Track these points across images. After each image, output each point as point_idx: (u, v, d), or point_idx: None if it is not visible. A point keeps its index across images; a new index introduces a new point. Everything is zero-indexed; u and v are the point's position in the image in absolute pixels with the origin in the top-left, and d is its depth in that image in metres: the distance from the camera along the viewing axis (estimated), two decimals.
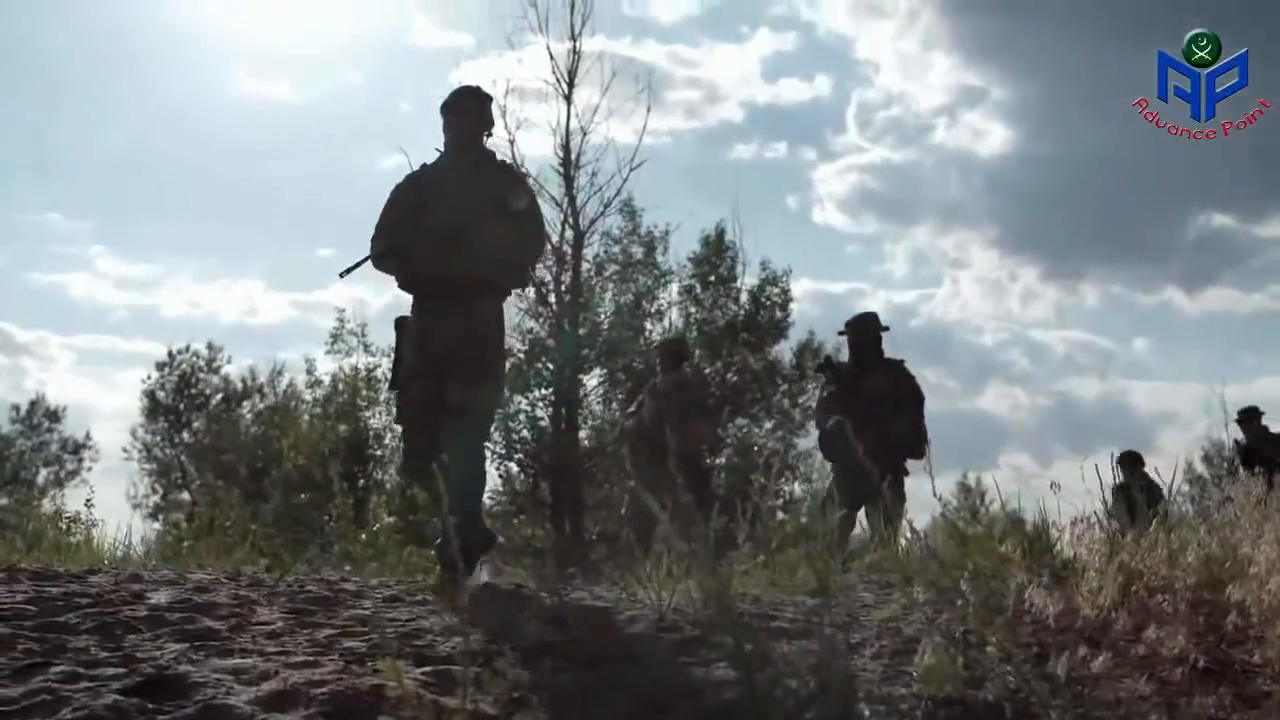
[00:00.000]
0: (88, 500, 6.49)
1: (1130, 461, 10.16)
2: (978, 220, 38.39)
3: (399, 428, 4.78)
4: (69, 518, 6.38)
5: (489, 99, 4.70)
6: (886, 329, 7.17)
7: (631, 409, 8.59)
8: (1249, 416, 10.11)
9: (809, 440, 20.60)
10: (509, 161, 4.73)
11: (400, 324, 4.54)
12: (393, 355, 4.62)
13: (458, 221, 4.35)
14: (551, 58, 19.02)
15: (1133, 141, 33.86)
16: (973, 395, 33.02)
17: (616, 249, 20.77)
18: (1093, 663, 2.31)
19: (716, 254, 22.25)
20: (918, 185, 34.45)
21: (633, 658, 2.55)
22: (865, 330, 7.15)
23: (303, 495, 16.49)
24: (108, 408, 44.76)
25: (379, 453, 18.90)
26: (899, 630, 2.85)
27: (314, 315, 37.72)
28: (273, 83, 38.45)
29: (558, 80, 19.01)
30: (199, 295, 42.56)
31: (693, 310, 22.18)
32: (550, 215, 19.03)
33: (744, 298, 22.21)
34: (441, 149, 4.62)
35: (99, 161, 40.92)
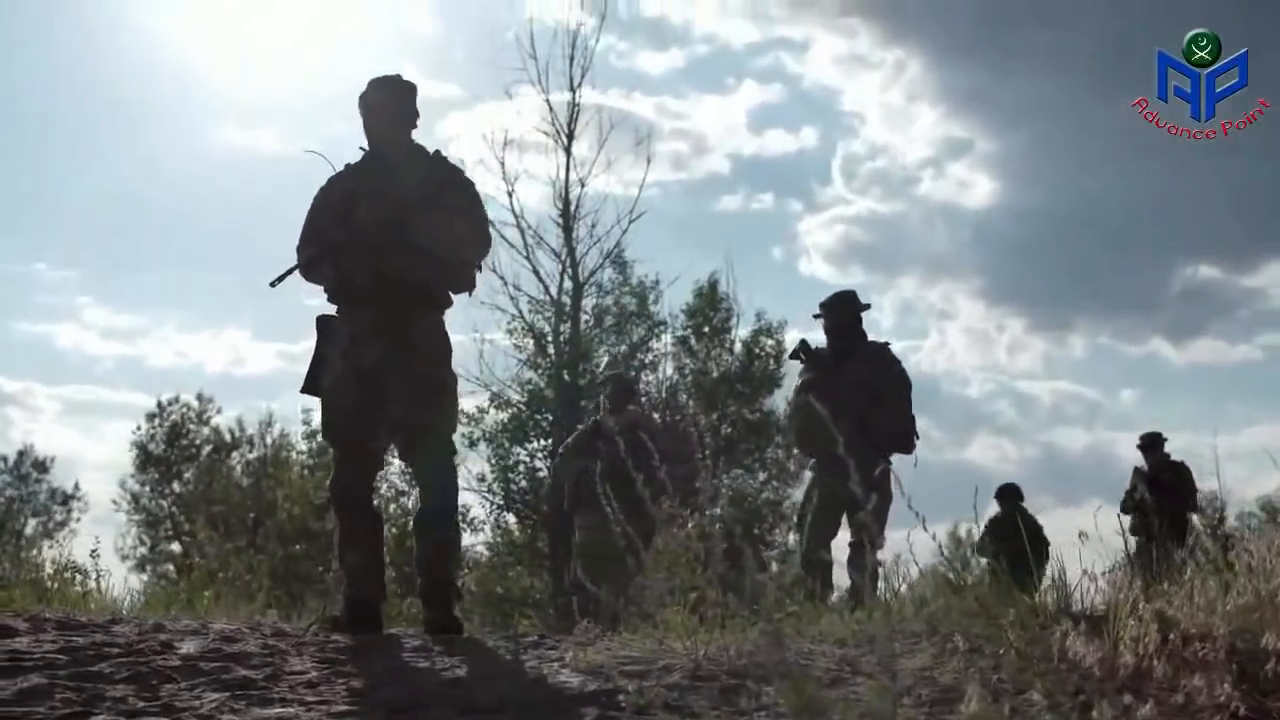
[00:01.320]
0: (93, 551, 6.44)
1: (1008, 495, 9.86)
2: (964, 271, 38.69)
3: (328, 444, 4.34)
4: (74, 568, 6.34)
5: (412, 89, 4.35)
6: (867, 307, 6.39)
7: (561, 449, 7.96)
8: (1152, 443, 9.51)
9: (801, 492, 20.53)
10: (443, 154, 4.39)
11: (324, 324, 4.19)
12: (313, 356, 4.21)
13: (388, 219, 4.08)
14: (551, 110, 19.22)
15: (1119, 193, 34.28)
16: (960, 446, 32.92)
17: (608, 300, 20.89)
18: (1136, 711, 2.32)
19: (711, 305, 22.35)
20: (904, 237, 34.69)
21: (676, 707, 2.56)
22: (842, 311, 6.31)
23: (297, 546, 16.42)
24: (93, 458, 44.55)
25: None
26: (934, 679, 2.86)
27: (300, 365, 37.18)
28: (259, 132, 38.53)
29: (557, 132, 19.21)
30: (185, 345, 42.66)
31: (687, 361, 22.25)
32: (549, 267, 19.17)
33: (738, 349, 22.31)
34: (365, 147, 4.33)
35: (85, 212, 40.97)
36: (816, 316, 6.38)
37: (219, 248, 40.62)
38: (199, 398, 29.41)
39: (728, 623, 3.18)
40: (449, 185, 4.25)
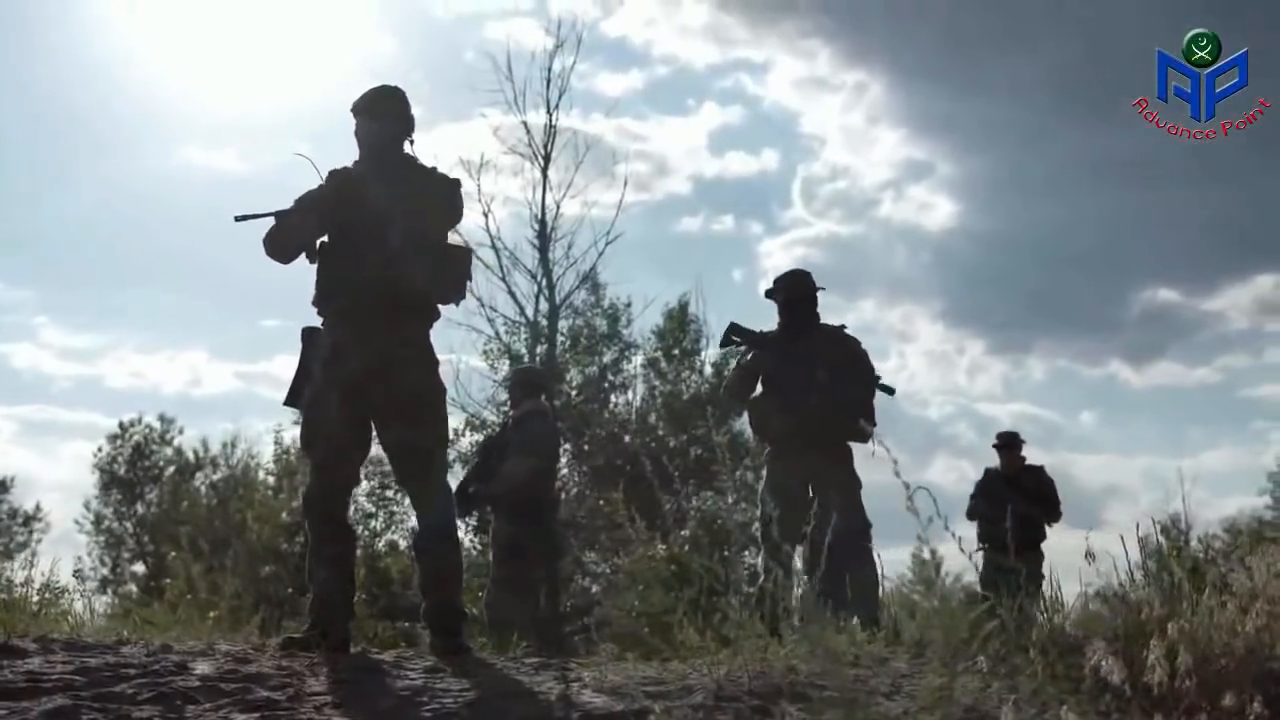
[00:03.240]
0: (76, 571, 6.38)
1: None
2: (924, 294, 38.66)
3: (306, 455, 4.24)
4: (57, 588, 6.27)
5: (403, 96, 4.28)
6: (822, 289, 5.97)
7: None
8: (1008, 443, 8.81)
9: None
10: (436, 167, 4.28)
11: (308, 335, 4.14)
12: (296, 368, 4.14)
13: (373, 224, 3.98)
14: (528, 131, 19.22)
15: (1078, 216, 34.58)
16: (920, 468, 32.90)
17: (579, 321, 20.91)
18: None
19: (680, 327, 22.40)
20: (864, 259, 34.66)
21: None
22: (798, 287, 5.93)
23: (267, 568, 16.23)
24: (50, 479, 43.75)
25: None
26: (955, 699, 2.90)
27: (258, 386, 36.89)
28: (218, 152, 37.85)
29: (534, 154, 19.22)
30: (142, 366, 42.15)
31: (657, 383, 22.27)
32: (526, 289, 19.17)
33: (708, 371, 22.36)
34: (357, 157, 4.23)
35: (43, 231, 40.17)
36: (768, 294, 6.00)
37: (177, 268, 40.15)
38: (161, 419, 29.16)
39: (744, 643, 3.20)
40: (433, 188, 4.17)
